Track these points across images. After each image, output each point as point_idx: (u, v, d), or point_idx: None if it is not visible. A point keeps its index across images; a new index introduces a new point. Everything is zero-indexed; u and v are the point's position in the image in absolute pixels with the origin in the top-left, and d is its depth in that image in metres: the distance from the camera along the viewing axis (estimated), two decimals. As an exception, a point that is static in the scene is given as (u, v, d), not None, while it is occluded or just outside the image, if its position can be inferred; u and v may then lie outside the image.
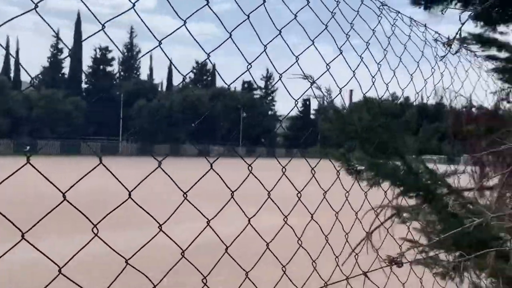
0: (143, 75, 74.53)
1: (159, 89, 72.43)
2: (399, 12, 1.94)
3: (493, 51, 4.45)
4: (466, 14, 4.05)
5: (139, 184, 1.44)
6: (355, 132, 2.26)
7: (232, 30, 1.65)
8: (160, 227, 1.57)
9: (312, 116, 75.33)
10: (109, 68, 69.67)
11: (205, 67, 76.67)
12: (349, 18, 1.98)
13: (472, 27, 4.22)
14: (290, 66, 1.83)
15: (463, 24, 0.90)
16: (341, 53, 1.79)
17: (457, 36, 0.92)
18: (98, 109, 57.90)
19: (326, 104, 2.42)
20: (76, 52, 65.59)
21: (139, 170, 17.21)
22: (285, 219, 2.04)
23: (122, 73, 72.17)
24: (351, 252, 2.64)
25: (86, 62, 68.80)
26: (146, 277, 1.57)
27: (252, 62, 1.71)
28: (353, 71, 1.90)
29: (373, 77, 2.00)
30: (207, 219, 1.69)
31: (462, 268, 2.22)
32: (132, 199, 1.43)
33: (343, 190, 2.32)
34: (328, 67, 1.77)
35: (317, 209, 2.13)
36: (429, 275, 2.41)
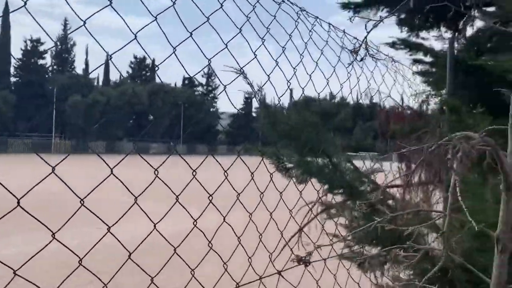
0: (78, 69, 71.54)
1: (95, 84, 69.79)
2: (317, 18, 2.01)
3: (420, 55, 4.73)
4: (392, 19, 4.27)
5: (90, 192, 1.40)
6: (285, 131, 2.31)
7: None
8: (108, 229, 1.57)
9: (254, 114, 75.94)
10: (41, 61, 66.17)
11: (143, 62, 74.94)
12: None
13: (399, 32, 4.45)
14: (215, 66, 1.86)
15: (368, 32, 0.96)
16: (255, 57, 1.84)
17: (363, 44, 0.98)
18: (29, 104, 54.86)
19: (259, 101, 2.46)
20: (4, 44, 61.71)
21: (73, 167, 16.52)
22: (224, 219, 2.06)
23: (55, 67, 68.82)
24: (281, 250, 2.70)
25: (16, 54, 64.95)
26: (98, 277, 1.53)
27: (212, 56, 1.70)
28: (268, 75, 1.95)
29: (288, 81, 2.06)
30: (154, 223, 1.70)
31: (382, 261, 2.35)
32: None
33: (282, 187, 2.40)
34: (242, 71, 1.81)
35: (230, 208, 2.16)
36: (344, 271, 2.53)
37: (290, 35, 1.97)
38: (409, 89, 3.44)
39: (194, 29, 1.90)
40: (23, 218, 1.61)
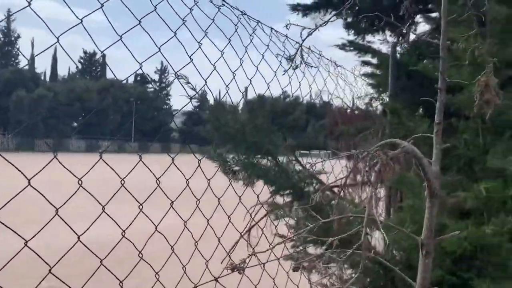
0: (23, 63, 68.32)
1: (42, 78, 66.93)
2: (259, 22, 2.02)
3: (368, 57, 4.87)
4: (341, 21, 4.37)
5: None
6: (229, 134, 2.31)
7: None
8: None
9: (208, 112, 75.18)
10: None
11: (93, 57, 72.71)
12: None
13: (347, 35, 4.55)
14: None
15: (303, 40, 0.97)
16: (191, 61, 1.82)
17: (299, 52, 0.99)
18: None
19: (196, 106, 2.43)
20: None
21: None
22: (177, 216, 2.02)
23: (-2, 60, 65.38)
24: (227, 255, 2.70)
25: (-47, 46, 61.18)
26: None
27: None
28: (205, 80, 1.94)
29: (227, 86, 2.06)
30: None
31: (327, 261, 2.40)
32: None
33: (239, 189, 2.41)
34: (177, 75, 1.79)
35: (166, 212, 2.13)
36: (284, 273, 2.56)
37: (229, 39, 1.96)
38: (351, 93, 3.54)
39: (143, 17, 1.85)
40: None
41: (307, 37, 0.98)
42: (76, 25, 1.57)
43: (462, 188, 2.65)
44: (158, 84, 77.87)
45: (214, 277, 1.72)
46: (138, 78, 73.39)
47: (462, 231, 2.43)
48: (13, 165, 1.47)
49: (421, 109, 3.31)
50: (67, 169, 1.60)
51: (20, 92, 55.19)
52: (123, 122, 64.34)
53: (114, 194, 1.84)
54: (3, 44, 65.40)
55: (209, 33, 2.05)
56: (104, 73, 72.29)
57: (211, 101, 2.21)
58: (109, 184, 1.81)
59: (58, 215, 1.55)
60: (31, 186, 1.45)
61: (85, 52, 72.03)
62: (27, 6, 1.40)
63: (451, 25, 2.62)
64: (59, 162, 1.60)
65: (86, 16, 1.61)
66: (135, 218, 1.93)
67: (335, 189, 3.15)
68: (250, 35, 1.98)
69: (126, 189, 1.79)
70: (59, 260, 1.63)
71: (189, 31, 1.84)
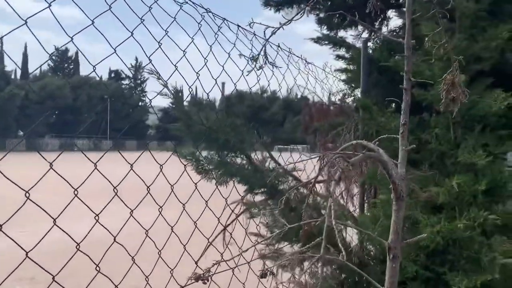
0: (-7, 61, 66.33)
1: (12, 77, 65.17)
2: (225, 19, 1.98)
3: (342, 51, 4.87)
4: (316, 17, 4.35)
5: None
6: (201, 133, 2.27)
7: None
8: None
9: (186, 108, 74.55)
10: None
11: (66, 54, 71.21)
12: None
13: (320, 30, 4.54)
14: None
15: (267, 40, 0.95)
16: (150, 61, 1.78)
17: (262, 51, 0.97)
18: None
19: (171, 103, 2.38)
20: None
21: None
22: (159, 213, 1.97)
23: (-35, 58, 63.31)
24: (213, 265, 2.66)
25: None
26: None
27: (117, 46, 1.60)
28: (165, 82, 1.90)
29: (190, 87, 2.02)
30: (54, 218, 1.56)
31: (301, 259, 2.38)
32: None
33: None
34: (149, 71, 1.75)
35: (136, 206, 2.08)
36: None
37: (192, 38, 1.92)
38: (322, 90, 3.53)
39: (113, 2, 1.78)
40: None
41: (270, 36, 0.95)
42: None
43: (435, 183, 2.68)
44: (133, 80, 76.81)
45: (181, 286, 1.68)
46: (113, 75, 72.30)
47: (435, 225, 2.45)
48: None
49: (393, 104, 3.33)
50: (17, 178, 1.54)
51: (-11, 90, 53.63)
52: (98, 120, 63.30)
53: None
54: (-30, 41, 63.38)
55: (178, 30, 2.00)
56: (77, 70, 70.91)
57: (184, 99, 2.15)
58: (86, 183, 1.75)
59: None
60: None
61: (56, 49, 70.41)
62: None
63: (421, 20, 2.63)
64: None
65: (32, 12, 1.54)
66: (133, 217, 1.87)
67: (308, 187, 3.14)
68: (215, 33, 1.94)
69: (118, 195, 1.73)
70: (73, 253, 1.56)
71: (147, 29, 1.79)
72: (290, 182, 2.76)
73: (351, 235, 3.08)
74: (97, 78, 66.16)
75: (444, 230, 2.29)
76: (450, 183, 2.41)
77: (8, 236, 1.52)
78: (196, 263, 1.67)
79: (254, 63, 0.98)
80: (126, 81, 76.39)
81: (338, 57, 4.79)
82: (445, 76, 1.08)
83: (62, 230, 1.69)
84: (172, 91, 2.09)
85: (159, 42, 1.77)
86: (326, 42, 4.61)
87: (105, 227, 1.83)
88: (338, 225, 2.77)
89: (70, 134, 57.05)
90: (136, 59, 72.07)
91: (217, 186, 2.51)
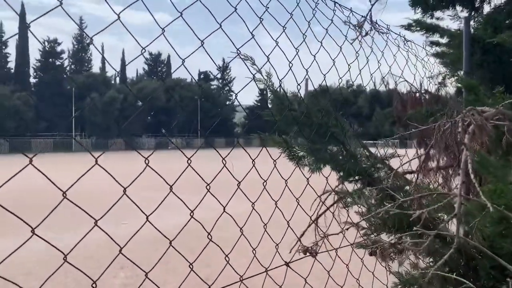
0: (95, 68, 72.28)
1: (112, 82, 70.52)
2: None
3: (437, 37, 4.59)
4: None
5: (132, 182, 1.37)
6: (294, 117, 2.24)
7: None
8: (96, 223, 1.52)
9: (269, 105, 75.49)
10: (58, 62, 67.07)
11: (159, 58, 75.38)
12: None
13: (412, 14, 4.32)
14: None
15: (373, 5, 0.89)
16: (238, 53, 1.76)
17: (367, 17, 0.91)
18: (48, 104, 55.77)
19: (267, 88, 2.38)
20: (22, 45, 62.74)
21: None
22: (253, 205, 2.01)
23: (73, 66, 69.72)
24: (297, 240, 2.64)
25: (34, 55, 66.06)
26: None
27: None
28: (259, 69, 1.87)
29: (290, 62, 1.98)
30: (146, 217, 1.64)
31: (401, 249, 2.27)
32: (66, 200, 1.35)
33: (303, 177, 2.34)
34: (240, 54, 1.74)
35: (230, 198, 2.10)
36: (357, 260, 2.45)
37: (291, 13, 1.88)
38: (423, 69, 3.31)
39: (223, 20, 1.83)
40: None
41: (376, 1, 0.90)
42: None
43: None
44: (220, 81, 79.31)
45: (285, 262, 1.67)
46: (202, 76, 75.17)
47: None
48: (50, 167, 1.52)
49: (501, 86, 3.06)
50: (108, 174, 1.62)
51: (93, 95, 58.51)
52: (190, 119, 66.19)
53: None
54: (76, 51, 69.57)
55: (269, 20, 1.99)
56: (169, 73, 74.77)
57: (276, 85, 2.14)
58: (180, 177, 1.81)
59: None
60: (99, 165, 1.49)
61: (150, 54, 74.81)
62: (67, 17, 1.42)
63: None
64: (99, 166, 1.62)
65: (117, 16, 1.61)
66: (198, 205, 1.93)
67: (408, 176, 2.99)
68: (313, 9, 1.89)
69: (205, 183, 1.79)
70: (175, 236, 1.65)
71: (242, 19, 1.80)
72: (386, 170, 2.65)
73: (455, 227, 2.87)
74: (188, 80, 69.30)
75: None
76: None
77: (102, 230, 1.59)
78: (299, 239, 1.65)
79: (359, 29, 0.93)
80: (215, 82, 79.14)
81: (432, 43, 4.51)
82: None
83: (153, 226, 1.76)
84: (265, 76, 2.10)
85: (251, 33, 1.78)
86: (418, 28, 4.37)
87: (197, 221, 1.88)
88: (444, 214, 2.61)
89: (164, 134, 60.36)
90: (223, 60, 74.24)
91: (308, 182, 2.47)
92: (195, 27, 1.90)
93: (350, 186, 2.70)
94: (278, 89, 2.12)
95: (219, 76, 78.61)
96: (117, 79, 72.62)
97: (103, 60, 72.48)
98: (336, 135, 2.28)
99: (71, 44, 70.65)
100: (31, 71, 65.50)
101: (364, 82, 2.65)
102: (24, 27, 62.94)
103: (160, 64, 76.96)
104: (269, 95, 2.20)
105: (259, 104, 72.25)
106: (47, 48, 64.70)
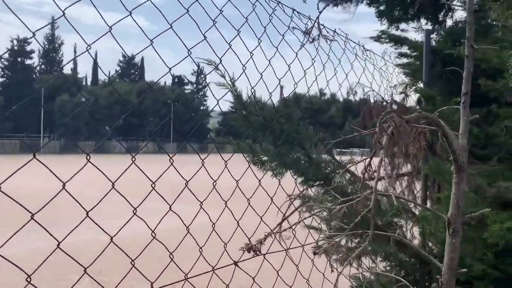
0: (66, 69, 70.84)
1: (83, 83, 69.23)
2: (279, 3, 1.96)
3: (405, 49, 4.72)
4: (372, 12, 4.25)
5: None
6: (258, 123, 2.28)
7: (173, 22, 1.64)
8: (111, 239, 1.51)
9: (244, 112, 75.53)
10: (28, 61, 65.48)
11: (132, 61, 74.51)
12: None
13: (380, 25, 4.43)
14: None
15: (320, 12, 0.94)
16: (220, 62, 1.80)
17: (315, 24, 0.95)
18: (16, 104, 54.29)
19: (232, 94, 2.40)
20: (-11, 43, 60.90)
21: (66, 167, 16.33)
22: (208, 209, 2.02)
23: (42, 66, 68.14)
24: (265, 237, 2.66)
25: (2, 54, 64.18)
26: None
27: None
28: (222, 74, 1.91)
29: (243, 65, 2.02)
30: (111, 236, 1.64)
31: (360, 254, 2.33)
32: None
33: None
34: (213, 64, 1.77)
35: (205, 198, 2.11)
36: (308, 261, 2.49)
37: (246, 18, 1.93)
38: (381, 78, 3.41)
39: (174, 21, 1.86)
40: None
41: (324, 8, 0.93)
42: (107, 31, 1.59)
43: (503, 178, 2.52)
44: (195, 85, 78.95)
45: (234, 261, 1.69)
46: (176, 80, 74.67)
47: (504, 222, 2.30)
48: (47, 167, 1.51)
49: (455, 96, 3.18)
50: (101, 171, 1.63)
51: (63, 96, 57.28)
52: (162, 123, 65.56)
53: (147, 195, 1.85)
54: (47, 51, 68.07)
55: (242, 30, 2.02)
56: (142, 75, 73.99)
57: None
58: (143, 184, 1.82)
59: (89, 217, 1.59)
60: (65, 190, 1.50)
61: (124, 56, 73.86)
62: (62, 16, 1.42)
63: (491, 3, 2.48)
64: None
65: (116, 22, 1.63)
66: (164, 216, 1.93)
67: (371, 182, 3.06)
68: (270, 15, 1.94)
69: (156, 191, 1.80)
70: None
71: (219, 32, 1.83)
72: (346, 176, 2.71)
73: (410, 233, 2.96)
74: (161, 84, 68.68)
75: (515, 227, 2.15)
76: (521, 177, 2.26)
77: (96, 224, 1.59)
78: (249, 239, 1.68)
79: (307, 36, 0.97)
80: (189, 86, 78.73)
81: (401, 55, 4.64)
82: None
83: (113, 242, 1.76)
84: (230, 82, 2.12)
85: (229, 43, 1.83)
86: (387, 40, 4.49)
87: (142, 219, 1.88)
88: (399, 220, 2.68)
89: (135, 137, 59.60)
90: (198, 65, 73.85)
91: (279, 183, 2.50)
92: (183, 35, 1.92)
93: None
94: (249, 96, 2.15)
95: (193, 80, 78.30)
96: (89, 80, 71.43)
97: (75, 61, 71.16)
98: (301, 141, 2.33)
99: (41, 43, 69.02)
100: (-1, 70, 63.73)
101: (334, 91, 2.70)
102: (-8, 25, 61.19)
103: (134, 66, 76.08)
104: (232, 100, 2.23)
105: (233, 110, 72.18)
106: (15, 47, 63.04)
